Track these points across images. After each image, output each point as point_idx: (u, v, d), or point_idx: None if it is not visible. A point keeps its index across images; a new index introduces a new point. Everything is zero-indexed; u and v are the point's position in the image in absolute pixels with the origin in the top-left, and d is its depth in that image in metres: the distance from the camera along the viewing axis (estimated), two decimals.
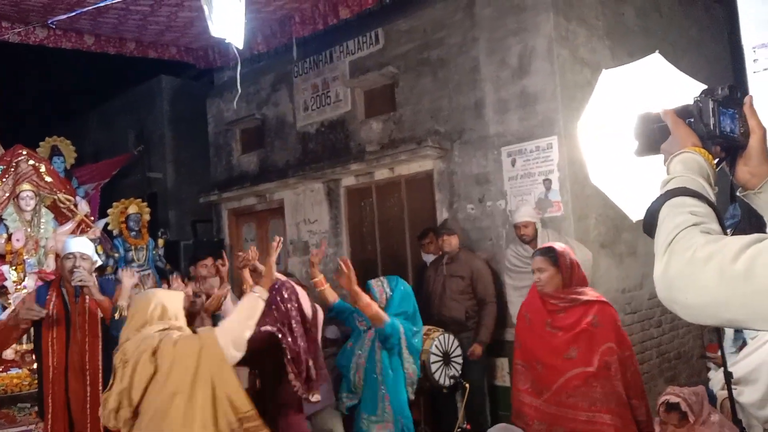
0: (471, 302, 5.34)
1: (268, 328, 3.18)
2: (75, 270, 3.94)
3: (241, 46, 4.19)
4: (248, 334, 2.79)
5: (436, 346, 4.64)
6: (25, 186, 5.94)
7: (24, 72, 11.82)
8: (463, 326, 5.22)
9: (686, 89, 2.78)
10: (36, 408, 4.46)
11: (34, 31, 5.73)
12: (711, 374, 3.82)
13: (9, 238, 5.72)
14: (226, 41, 4.12)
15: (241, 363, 3.05)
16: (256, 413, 2.67)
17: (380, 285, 3.86)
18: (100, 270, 6.22)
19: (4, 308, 5.39)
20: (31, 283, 5.58)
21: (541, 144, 5.55)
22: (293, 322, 3.19)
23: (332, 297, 4.02)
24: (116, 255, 7.07)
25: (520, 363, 3.35)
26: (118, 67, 9.48)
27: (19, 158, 6.01)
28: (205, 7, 3.99)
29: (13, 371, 4.94)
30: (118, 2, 5.27)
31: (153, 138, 11.05)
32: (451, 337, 4.82)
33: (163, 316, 2.76)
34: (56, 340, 3.96)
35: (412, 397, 3.78)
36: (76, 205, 6.40)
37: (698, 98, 1.24)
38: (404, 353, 3.69)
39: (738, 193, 1.29)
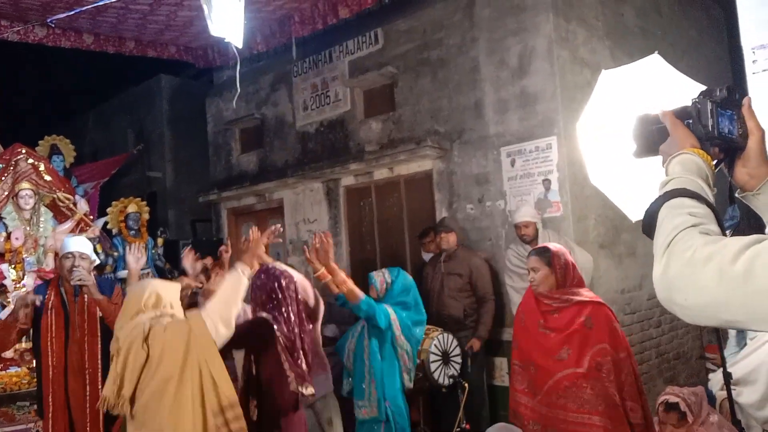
0: (469, 300, 5.34)
1: (263, 314, 3.20)
2: (74, 269, 3.94)
3: (240, 46, 4.19)
4: (235, 311, 2.79)
5: (435, 345, 4.64)
6: (25, 185, 5.94)
7: (23, 71, 11.82)
8: (461, 324, 5.22)
9: (685, 90, 2.77)
10: (35, 407, 4.46)
11: (33, 29, 5.72)
12: (710, 375, 3.82)
13: (8, 237, 5.72)
14: (226, 40, 4.12)
15: (237, 347, 3.06)
16: (238, 401, 2.68)
17: (381, 275, 3.92)
18: (99, 269, 6.22)
19: (4, 307, 5.39)
20: (30, 281, 5.58)
21: (541, 144, 5.55)
22: (290, 310, 3.21)
23: (359, 295, 3.99)
24: (115, 254, 7.07)
25: (517, 363, 3.36)
26: (117, 66, 9.48)
27: (19, 157, 6.02)
28: (205, 7, 3.99)
29: (12, 370, 4.94)
30: (118, 1, 5.27)
31: (152, 137, 11.05)
32: (450, 336, 4.82)
33: (157, 304, 2.77)
34: (55, 340, 3.96)
35: (410, 385, 3.80)
36: (75, 204, 6.41)
37: (697, 100, 1.24)
38: (399, 341, 3.70)
39: (737, 195, 1.29)
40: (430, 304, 5.36)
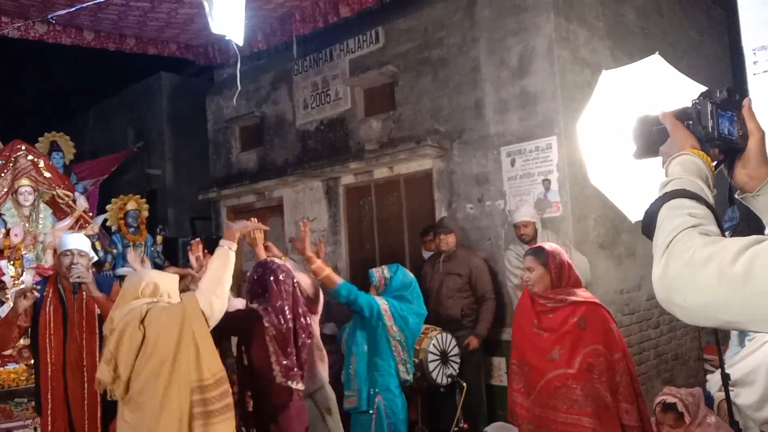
0: (467, 300, 5.34)
1: (254, 305, 3.21)
2: (73, 267, 3.93)
3: (241, 43, 4.19)
4: (227, 284, 2.85)
5: (433, 345, 4.64)
6: (24, 181, 5.93)
7: (23, 68, 11.82)
8: (459, 324, 5.22)
9: (686, 90, 2.77)
10: (33, 403, 4.45)
11: (34, 26, 5.72)
12: (708, 376, 3.82)
13: (7, 233, 5.72)
14: (226, 38, 4.11)
15: (224, 335, 3.07)
16: (225, 379, 2.68)
17: (380, 271, 3.93)
18: (98, 266, 6.22)
19: (2, 303, 5.38)
20: (29, 278, 5.58)
21: (541, 144, 5.55)
22: (284, 304, 3.21)
23: (336, 280, 3.91)
24: (114, 251, 7.06)
25: (514, 363, 3.35)
26: (118, 63, 9.48)
27: (18, 153, 6.01)
28: (206, 4, 3.98)
29: (11, 366, 4.94)
30: None
31: (152, 135, 11.05)
32: (449, 336, 4.82)
33: (154, 293, 2.79)
34: (53, 337, 3.96)
35: (408, 377, 3.76)
36: (74, 201, 6.40)
37: (697, 101, 1.24)
38: (391, 331, 3.66)
39: (736, 196, 1.29)
40: (428, 304, 5.34)
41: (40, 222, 6.02)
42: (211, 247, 3.61)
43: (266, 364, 3.15)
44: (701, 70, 6.50)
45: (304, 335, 3.31)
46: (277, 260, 3.49)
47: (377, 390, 3.64)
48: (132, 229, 7.31)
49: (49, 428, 3.88)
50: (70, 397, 3.91)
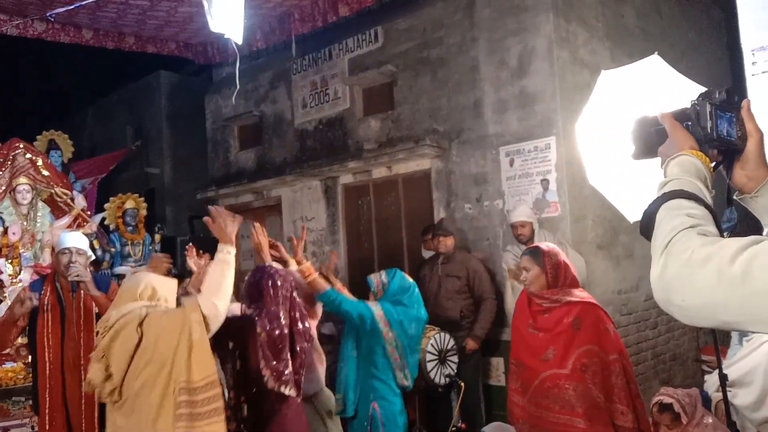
0: (466, 302, 5.34)
1: (247, 311, 3.20)
2: (71, 265, 3.92)
3: (240, 42, 4.18)
4: (229, 290, 2.85)
5: (431, 344, 4.64)
6: (22, 179, 5.93)
7: (22, 67, 11.81)
8: (457, 326, 5.22)
9: (685, 91, 2.77)
10: (30, 402, 4.45)
11: (33, 24, 5.70)
12: (706, 376, 3.82)
13: (5, 232, 5.72)
14: (225, 37, 4.11)
15: (218, 340, 3.06)
16: (217, 384, 2.65)
17: (377, 276, 3.86)
18: (96, 265, 6.22)
19: (0, 301, 5.38)
20: (26, 276, 5.58)
21: (540, 144, 5.55)
22: (279, 309, 3.19)
23: (322, 286, 3.77)
24: (112, 250, 7.06)
25: (512, 362, 3.36)
26: (117, 62, 9.48)
27: (16, 151, 6.01)
28: (205, 3, 3.97)
29: (8, 365, 4.93)
30: None
31: (151, 133, 11.04)
32: (447, 335, 4.82)
33: (152, 296, 2.76)
34: (51, 335, 3.95)
35: (407, 383, 3.64)
36: (72, 200, 6.40)
37: (696, 102, 1.24)
38: (387, 337, 3.54)
39: (735, 197, 1.29)
40: (427, 306, 5.34)
41: (38, 220, 6.02)
42: (206, 246, 3.60)
43: (259, 370, 3.14)
44: (700, 71, 6.50)
45: (301, 340, 3.30)
46: (275, 264, 3.47)
47: (372, 397, 3.54)
48: (130, 228, 7.30)
49: (47, 427, 3.88)
50: (68, 395, 3.91)
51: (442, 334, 4.79)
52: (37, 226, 6.00)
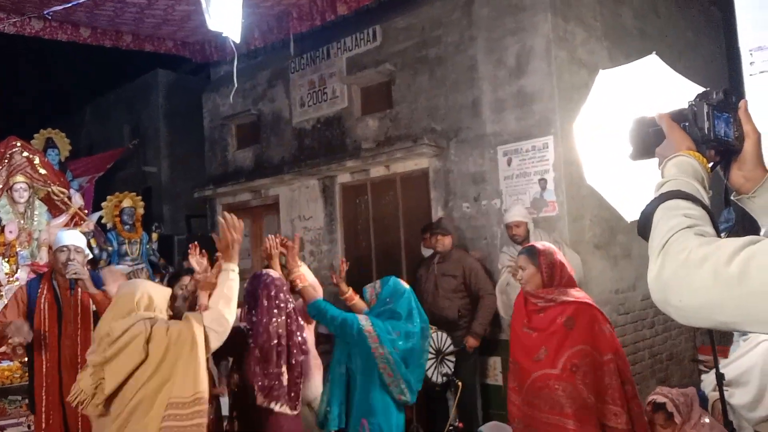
0: (463, 301, 5.34)
1: (240, 324, 3.17)
2: (69, 263, 3.91)
3: (238, 40, 4.17)
4: (234, 308, 2.90)
5: (429, 343, 4.64)
6: (19, 178, 5.92)
7: (19, 66, 11.79)
8: (454, 325, 5.22)
9: (682, 91, 2.77)
10: (27, 401, 4.44)
11: (30, 22, 5.69)
12: (703, 376, 3.83)
13: (2, 230, 5.71)
14: (223, 35, 4.10)
15: (222, 354, 3.04)
16: (205, 401, 2.63)
17: (372, 286, 3.70)
18: (93, 264, 6.21)
19: None
20: (23, 275, 5.57)
21: (537, 144, 5.55)
22: (272, 321, 3.15)
23: (312, 296, 3.67)
24: (109, 248, 7.05)
25: (511, 361, 3.36)
26: (114, 60, 9.46)
27: (13, 150, 5.99)
28: (203, 1, 3.96)
29: (5, 363, 4.92)
30: None
31: (148, 132, 11.03)
32: (445, 335, 4.82)
33: (149, 306, 2.73)
34: (48, 334, 3.95)
35: (405, 397, 3.41)
36: (69, 198, 6.39)
37: (693, 102, 1.24)
38: (376, 353, 3.34)
39: (732, 197, 1.29)
40: (423, 306, 5.33)
41: (35, 219, 6.01)
42: (205, 245, 3.57)
43: (251, 384, 3.12)
44: (698, 71, 6.52)
45: (298, 353, 3.26)
46: (272, 272, 3.40)
47: (362, 413, 3.38)
48: (127, 227, 7.29)
49: (43, 426, 3.87)
50: (65, 394, 3.89)
51: (440, 333, 4.79)
52: (34, 224, 5.99)
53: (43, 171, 6.16)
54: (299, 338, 3.28)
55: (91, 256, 4.95)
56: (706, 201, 1.12)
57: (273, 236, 3.76)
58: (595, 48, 6.06)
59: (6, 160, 5.90)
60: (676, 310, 1.01)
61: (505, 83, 5.81)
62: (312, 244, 7.36)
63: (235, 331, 3.07)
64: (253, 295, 3.21)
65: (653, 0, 7.16)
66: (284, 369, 3.15)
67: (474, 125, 6.02)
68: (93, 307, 4.01)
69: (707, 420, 3.23)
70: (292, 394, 3.16)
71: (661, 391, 3.46)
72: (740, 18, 2.43)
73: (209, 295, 3.07)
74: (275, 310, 3.20)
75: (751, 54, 2.37)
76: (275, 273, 3.42)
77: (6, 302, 4.40)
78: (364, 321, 3.39)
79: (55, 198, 6.22)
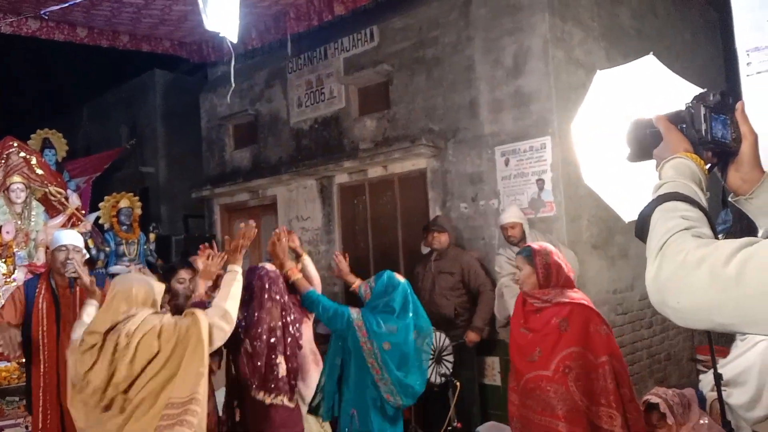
0: (460, 299, 5.34)
1: (240, 315, 3.19)
2: (68, 262, 3.91)
3: (235, 41, 4.17)
4: (237, 306, 2.94)
5: (430, 345, 4.63)
6: (16, 178, 5.91)
7: (16, 66, 11.76)
8: (451, 323, 5.22)
9: (680, 91, 2.78)
10: (24, 402, 4.43)
11: (27, 22, 5.68)
12: (701, 376, 3.83)
13: None
14: (220, 35, 4.09)
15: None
16: (199, 401, 2.62)
17: (367, 282, 3.71)
18: (91, 264, 6.20)
19: None
20: (20, 276, 5.56)
21: (535, 144, 5.55)
22: (266, 315, 3.17)
23: (306, 287, 3.67)
24: (107, 249, 7.03)
25: (510, 361, 3.36)
26: (112, 60, 9.44)
27: (10, 150, 5.99)
28: (200, 1, 3.96)
29: (2, 365, 4.91)
30: None
31: (146, 132, 11.00)
32: (443, 335, 4.82)
33: (146, 301, 2.77)
34: (46, 334, 3.94)
35: (392, 399, 3.34)
36: (67, 198, 6.39)
37: (690, 104, 1.24)
38: (364, 348, 3.32)
39: (730, 199, 1.29)
40: (421, 303, 5.33)
41: (32, 219, 6.00)
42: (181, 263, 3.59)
43: (247, 377, 3.14)
44: (695, 71, 6.53)
45: (294, 345, 3.27)
46: (267, 265, 3.42)
47: (353, 405, 3.38)
48: (125, 227, 7.27)
49: (40, 425, 3.87)
50: (63, 394, 3.90)
51: (438, 333, 4.79)
52: (31, 225, 5.98)
53: (40, 171, 6.15)
54: (295, 331, 3.29)
55: (88, 256, 4.94)
56: (704, 203, 1.12)
57: (278, 235, 3.73)
58: (593, 48, 6.07)
59: (3, 161, 5.90)
60: (674, 311, 1.01)
61: (503, 83, 5.81)
62: (310, 245, 7.35)
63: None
64: (247, 288, 3.22)
65: (651, 0, 7.17)
66: (279, 361, 3.17)
67: (471, 125, 6.02)
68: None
69: (705, 420, 3.23)
70: (288, 386, 3.18)
71: (656, 392, 3.46)
72: (737, 19, 2.43)
73: (215, 288, 3.13)
74: (269, 303, 3.21)
75: (748, 55, 2.38)
76: (270, 266, 3.44)
77: (3, 303, 4.39)
78: (355, 314, 3.38)
79: (52, 198, 6.21)
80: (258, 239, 7.66)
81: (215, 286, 3.41)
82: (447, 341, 4.83)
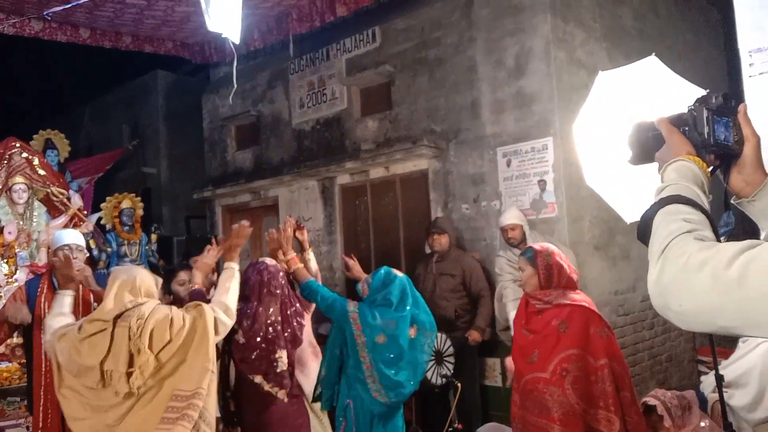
0: (461, 301, 5.34)
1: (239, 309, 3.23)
2: (72, 261, 3.91)
3: (237, 41, 4.18)
4: (234, 301, 3.00)
5: (431, 345, 4.62)
6: (18, 179, 5.91)
7: (19, 66, 11.78)
8: (452, 325, 5.21)
9: (682, 92, 2.78)
10: (25, 402, 4.44)
11: (30, 23, 5.69)
12: (702, 377, 3.83)
13: (1, 231, 5.70)
14: (223, 36, 4.10)
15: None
16: (201, 395, 2.64)
17: (364, 279, 3.70)
18: (92, 264, 6.20)
19: None
20: (22, 276, 5.56)
21: (537, 145, 5.55)
22: (263, 309, 3.20)
23: (306, 276, 3.65)
24: (109, 249, 7.04)
25: (513, 362, 3.36)
26: (114, 61, 9.45)
27: (12, 150, 5.99)
28: (202, 2, 3.97)
29: (3, 365, 4.92)
30: None
31: (148, 133, 11.02)
32: (444, 336, 4.81)
33: (149, 292, 2.81)
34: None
35: (380, 397, 3.29)
36: (69, 199, 6.39)
37: (692, 107, 1.24)
38: (358, 341, 3.28)
39: (732, 201, 1.29)
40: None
41: (35, 220, 6.00)
42: (203, 245, 3.61)
43: (242, 369, 3.18)
44: (697, 72, 6.51)
45: (293, 338, 3.29)
46: (267, 260, 3.45)
47: (349, 394, 3.36)
48: (127, 228, 7.28)
49: (41, 425, 3.87)
50: None
51: (439, 334, 4.78)
52: (33, 225, 5.99)
53: (42, 172, 6.15)
54: (295, 323, 3.31)
55: (89, 256, 4.95)
56: (706, 206, 1.12)
57: (280, 230, 3.74)
58: (595, 49, 6.06)
59: (5, 161, 5.90)
60: (676, 314, 1.01)
61: (505, 84, 5.81)
62: (311, 246, 7.34)
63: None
64: (246, 283, 3.25)
65: (653, 1, 7.16)
66: (279, 354, 3.18)
67: (473, 126, 6.02)
68: (95, 305, 4.01)
69: (706, 423, 3.22)
70: (286, 380, 3.21)
71: (654, 394, 3.44)
72: (740, 19, 2.43)
73: (214, 285, 3.20)
74: (269, 297, 3.24)
75: (750, 55, 2.37)
76: (270, 260, 3.47)
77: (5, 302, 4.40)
78: (351, 306, 3.36)
79: (55, 199, 6.21)
80: (260, 240, 7.67)
81: (213, 283, 3.47)
82: (448, 342, 4.83)
